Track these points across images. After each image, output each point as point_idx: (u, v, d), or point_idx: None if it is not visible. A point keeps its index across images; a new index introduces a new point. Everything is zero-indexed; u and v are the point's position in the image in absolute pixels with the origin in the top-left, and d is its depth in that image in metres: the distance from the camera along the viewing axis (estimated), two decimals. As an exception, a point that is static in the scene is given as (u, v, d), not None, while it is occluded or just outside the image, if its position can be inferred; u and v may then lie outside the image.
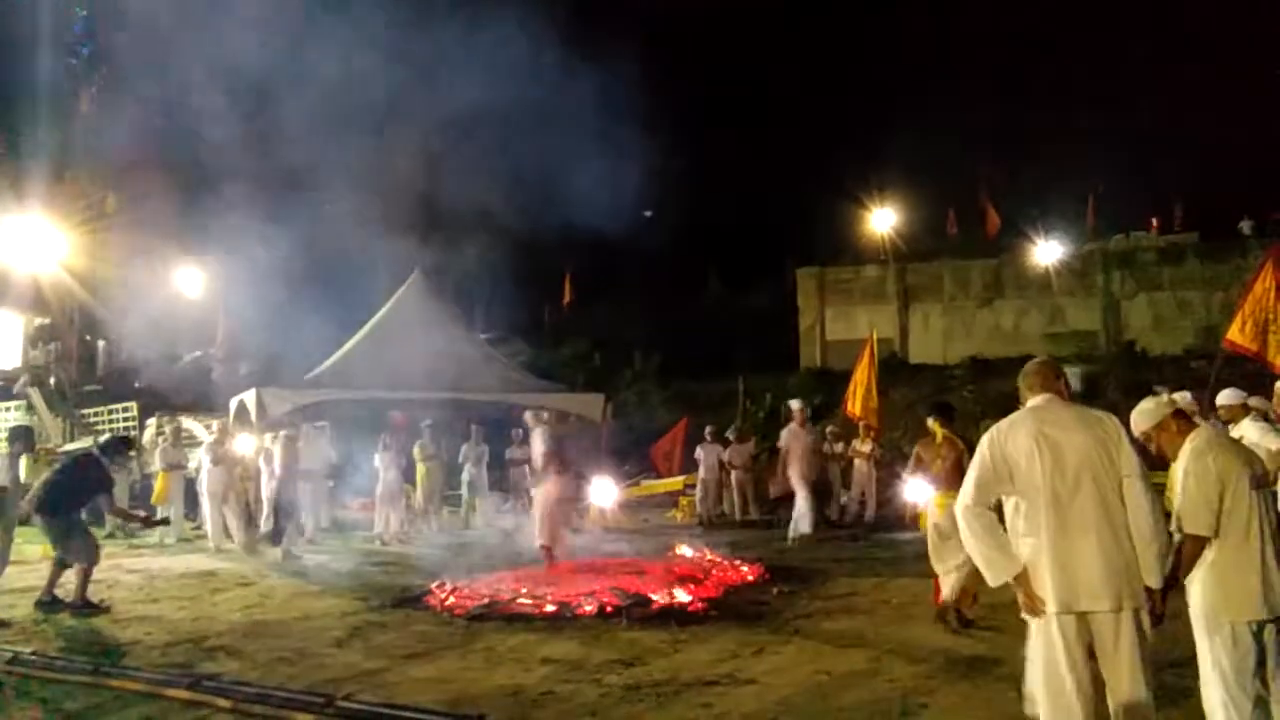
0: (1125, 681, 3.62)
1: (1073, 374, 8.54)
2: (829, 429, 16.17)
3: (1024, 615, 3.80)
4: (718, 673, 5.87)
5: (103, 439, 10.10)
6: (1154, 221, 31.36)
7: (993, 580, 3.85)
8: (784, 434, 12.99)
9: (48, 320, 28.74)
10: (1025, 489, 3.76)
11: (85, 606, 8.24)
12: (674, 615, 7.48)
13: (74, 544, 8.42)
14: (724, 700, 5.33)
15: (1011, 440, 3.83)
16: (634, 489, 18.47)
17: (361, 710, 5.08)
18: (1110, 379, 21.21)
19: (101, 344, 28.70)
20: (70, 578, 8.47)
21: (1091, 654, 3.68)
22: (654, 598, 7.84)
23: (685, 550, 10.68)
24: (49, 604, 8.31)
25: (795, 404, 13.44)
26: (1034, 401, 3.96)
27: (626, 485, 17.83)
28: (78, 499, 8.70)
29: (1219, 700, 3.83)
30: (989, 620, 6.96)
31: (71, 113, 29.56)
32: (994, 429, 3.92)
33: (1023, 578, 3.73)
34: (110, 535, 14.39)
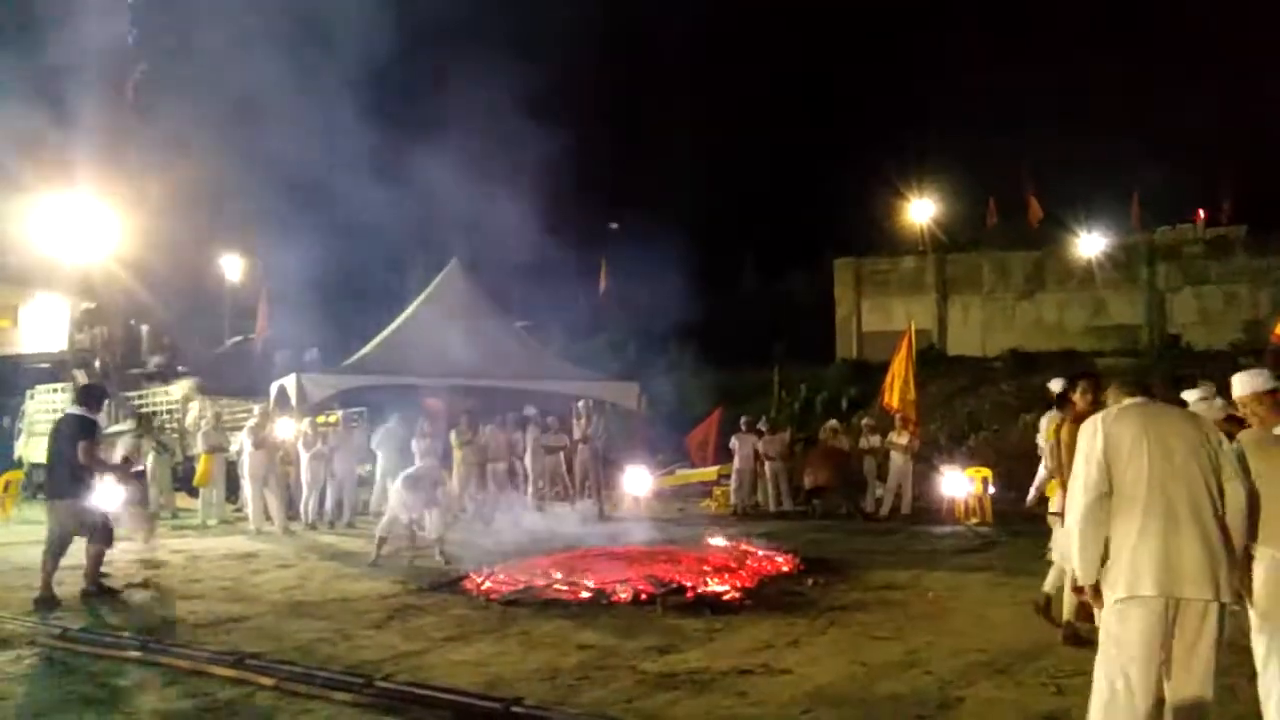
0: (1196, 675, 3.59)
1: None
2: (865, 421, 16.10)
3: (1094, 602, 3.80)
4: (753, 662, 5.88)
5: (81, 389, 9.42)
6: (1201, 214, 30.81)
7: (1083, 576, 3.83)
8: (1044, 422, 9.45)
9: (94, 304, 29.32)
10: (1126, 473, 3.76)
11: (98, 593, 7.92)
12: (709, 604, 7.48)
13: (87, 520, 7.97)
14: (759, 690, 5.33)
15: (1117, 427, 3.84)
16: (668, 478, 18.50)
17: (400, 691, 5.14)
18: (1154, 374, 20.90)
19: (145, 328, 29.19)
20: (116, 555, 8.63)
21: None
22: (688, 586, 7.86)
23: (720, 540, 10.68)
24: (46, 602, 7.71)
25: (1057, 385, 9.57)
26: (1133, 400, 3.97)
27: (660, 474, 17.86)
28: (78, 469, 7.88)
29: (1277, 702, 3.79)
30: (1027, 613, 6.89)
31: (118, 99, 30.04)
32: (1096, 418, 3.95)
33: (1096, 585, 3.77)
34: (155, 515, 14.69)
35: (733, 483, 16.04)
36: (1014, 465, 16.76)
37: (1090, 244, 28.29)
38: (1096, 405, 6.88)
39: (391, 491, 10.60)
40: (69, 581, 8.53)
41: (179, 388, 18.72)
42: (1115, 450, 3.79)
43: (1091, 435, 3.87)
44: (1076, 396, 6.43)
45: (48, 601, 7.59)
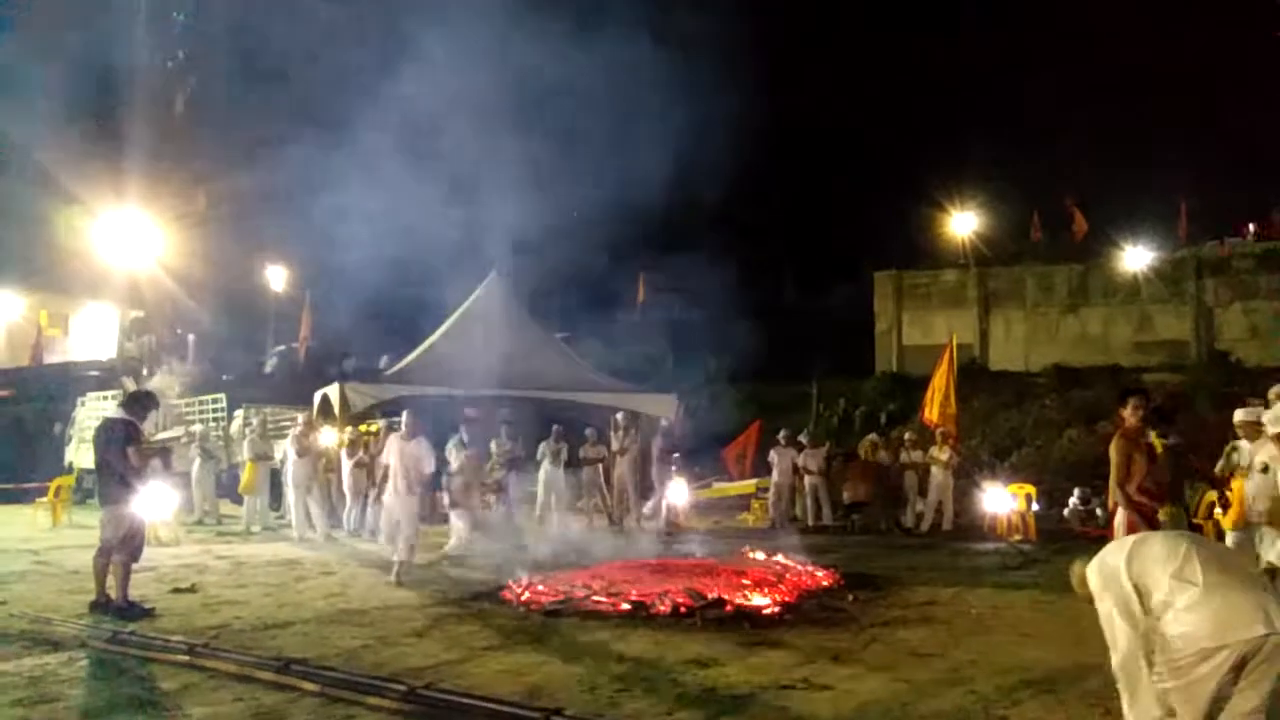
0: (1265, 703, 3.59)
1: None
2: (906, 435, 15.96)
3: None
4: (794, 677, 5.84)
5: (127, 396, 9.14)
6: (1250, 227, 30.19)
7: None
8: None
9: (142, 313, 29.95)
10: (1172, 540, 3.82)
11: (129, 608, 7.57)
12: (748, 618, 7.46)
13: (123, 528, 7.74)
14: (801, 705, 5.29)
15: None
16: (705, 491, 18.46)
17: (441, 699, 5.17)
18: (1201, 391, 20.49)
19: (192, 337, 29.74)
20: (165, 560, 8.65)
21: None
22: (728, 599, 7.83)
23: (758, 554, 10.64)
24: (101, 605, 7.68)
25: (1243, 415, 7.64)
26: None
27: (698, 487, 17.83)
28: (122, 475, 7.75)
29: None
30: (1072, 632, 6.79)
31: (168, 113, 30.73)
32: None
33: None
34: (199, 521, 14.95)
35: (771, 496, 15.97)
36: (1057, 481, 16.57)
37: (1136, 258, 27.86)
38: (1145, 422, 6.82)
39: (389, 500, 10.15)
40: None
41: (160, 380, 19.00)
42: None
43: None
44: (1127, 413, 6.36)
45: (102, 606, 7.67)
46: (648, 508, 15.54)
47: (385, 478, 9.95)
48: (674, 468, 15.57)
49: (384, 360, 18.49)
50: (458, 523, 11.91)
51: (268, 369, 23.43)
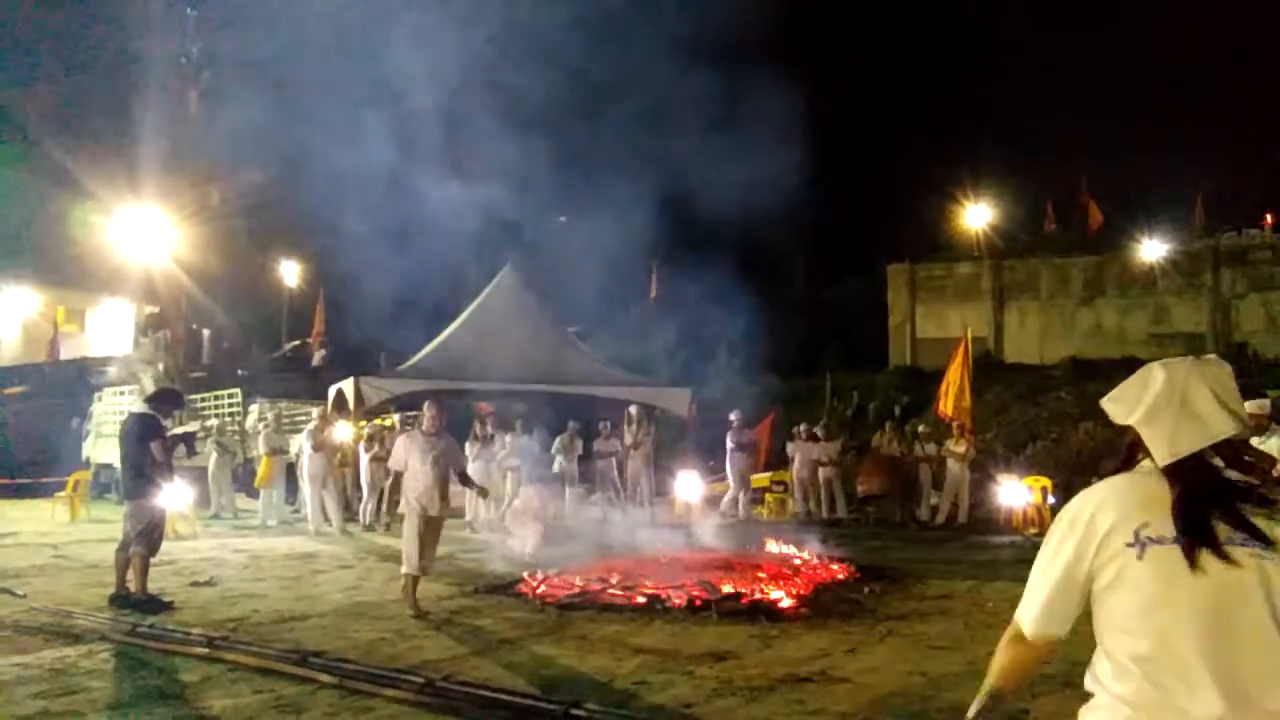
0: None
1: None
2: (920, 429, 15.91)
3: None
4: (810, 670, 5.84)
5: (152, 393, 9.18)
6: (1268, 218, 29.92)
7: None
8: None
9: (157, 309, 30.10)
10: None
11: (149, 601, 7.63)
12: (764, 611, 7.46)
13: (142, 521, 7.78)
14: (817, 698, 5.29)
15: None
16: (719, 484, 18.42)
17: (460, 691, 5.19)
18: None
19: (206, 332, 29.86)
20: (183, 554, 8.70)
21: None
22: (744, 592, 7.83)
23: (773, 546, 10.63)
24: (121, 599, 7.73)
25: None
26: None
27: (711, 481, 17.79)
28: (144, 469, 7.82)
29: None
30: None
31: (181, 109, 30.84)
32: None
33: None
34: (215, 516, 15.03)
35: (796, 490, 16.00)
36: (1073, 474, 16.47)
37: (1152, 249, 27.65)
38: None
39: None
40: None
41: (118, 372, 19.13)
42: None
43: None
44: None
45: (122, 599, 7.72)
46: (725, 500, 15.66)
47: (397, 486, 8.09)
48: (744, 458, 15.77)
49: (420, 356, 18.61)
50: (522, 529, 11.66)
51: (315, 361, 23.56)
